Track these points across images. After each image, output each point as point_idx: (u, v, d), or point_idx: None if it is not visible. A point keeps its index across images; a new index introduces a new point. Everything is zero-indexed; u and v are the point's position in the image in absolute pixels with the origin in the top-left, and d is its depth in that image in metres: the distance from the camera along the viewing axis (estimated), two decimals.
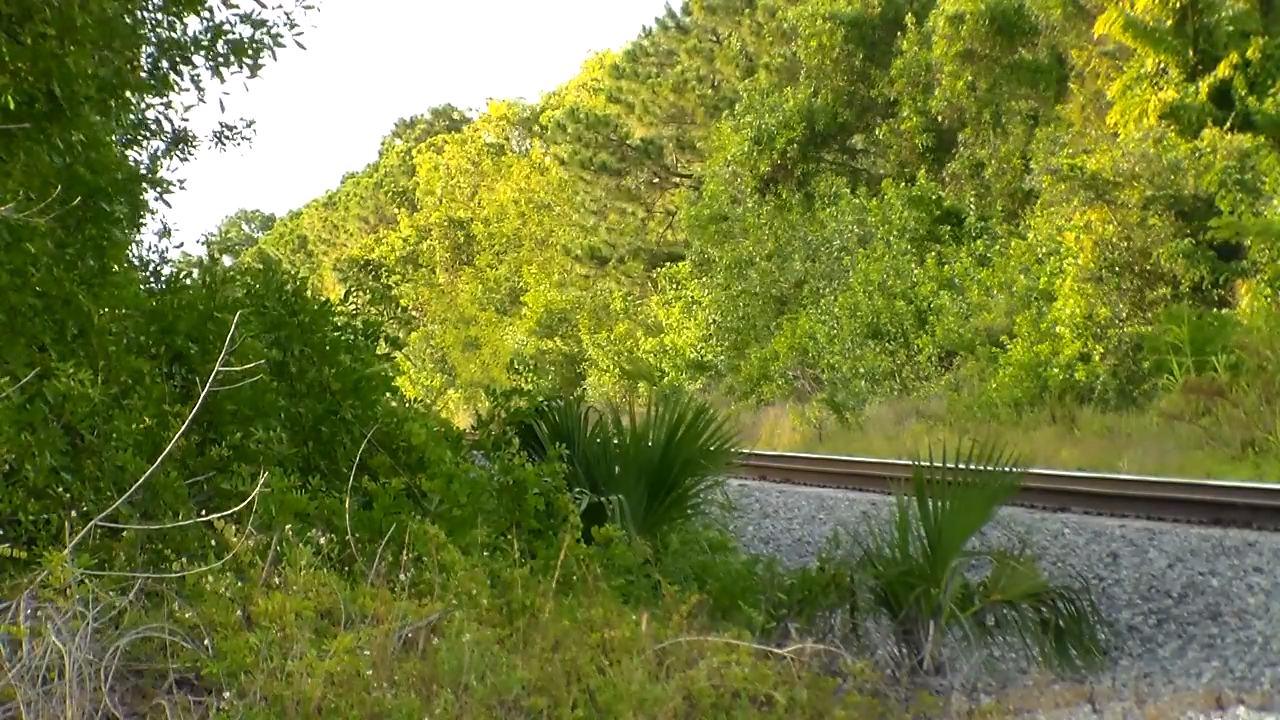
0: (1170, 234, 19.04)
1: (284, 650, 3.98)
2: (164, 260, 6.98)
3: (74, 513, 4.33)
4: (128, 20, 5.88)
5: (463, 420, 30.20)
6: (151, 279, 7.00)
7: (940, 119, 27.72)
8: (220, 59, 6.34)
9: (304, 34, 6.50)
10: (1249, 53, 20.09)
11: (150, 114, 7.01)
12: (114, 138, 6.51)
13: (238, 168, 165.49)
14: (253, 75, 6.43)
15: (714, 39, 39.20)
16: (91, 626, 3.82)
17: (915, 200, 26.20)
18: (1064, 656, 6.60)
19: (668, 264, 35.09)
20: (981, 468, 6.88)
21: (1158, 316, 18.35)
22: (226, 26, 6.36)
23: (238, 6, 6.38)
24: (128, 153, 7.16)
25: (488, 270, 46.64)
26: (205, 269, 6.10)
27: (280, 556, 4.40)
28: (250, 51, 6.32)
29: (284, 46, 6.39)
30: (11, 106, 5.11)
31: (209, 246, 67.55)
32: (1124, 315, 19.37)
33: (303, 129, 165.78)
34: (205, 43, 6.37)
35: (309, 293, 6.30)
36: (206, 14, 6.39)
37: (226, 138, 7.82)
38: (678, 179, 38.15)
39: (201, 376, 5.10)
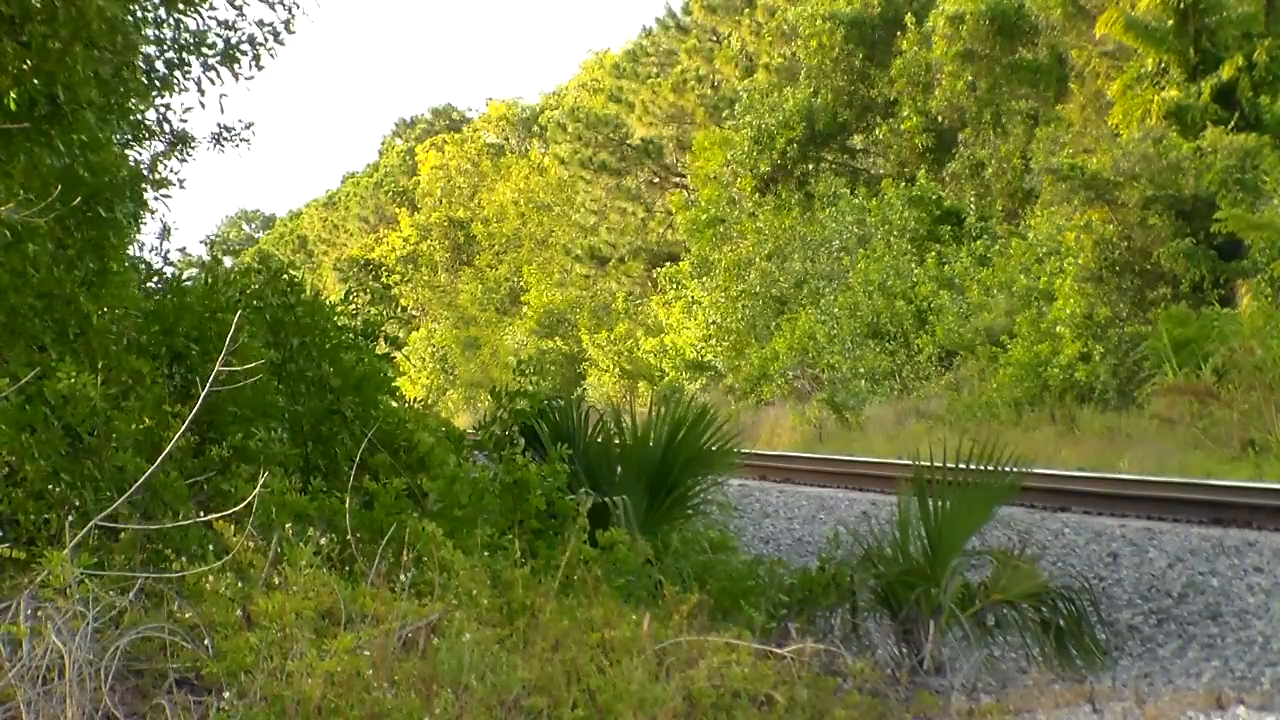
0: (1170, 234, 19.03)
1: (284, 650, 3.97)
2: (166, 261, 6.97)
3: (73, 513, 4.32)
4: (129, 20, 5.88)
5: (463, 420, 30.19)
6: (153, 280, 6.99)
7: (940, 119, 27.71)
8: (216, 61, 6.35)
9: (285, 45, 6.55)
10: (1255, 55, 20.08)
11: (150, 115, 7.01)
12: (115, 138, 6.50)
13: (238, 168, 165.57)
14: (247, 78, 6.45)
15: (714, 39, 39.21)
16: (91, 626, 3.82)
17: (915, 200, 26.20)
18: (1064, 656, 6.60)
19: (668, 264, 35.08)
20: (982, 468, 6.88)
21: (1156, 317, 18.35)
22: (213, 35, 6.40)
23: (240, 9, 6.40)
24: (127, 153, 7.16)
25: (488, 270, 46.64)
26: (207, 269, 6.10)
27: (280, 556, 4.40)
28: (238, 57, 6.34)
29: (274, 54, 6.41)
30: (13, 108, 5.11)
31: (211, 247, 67.47)
32: (1124, 315, 19.36)
33: (303, 129, 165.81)
34: (191, 46, 6.39)
35: (305, 286, 6.31)
36: (211, 11, 6.41)
37: (224, 139, 7.82)
38: (678, 179, 38.14)
39: (201, 376, 5.10)
